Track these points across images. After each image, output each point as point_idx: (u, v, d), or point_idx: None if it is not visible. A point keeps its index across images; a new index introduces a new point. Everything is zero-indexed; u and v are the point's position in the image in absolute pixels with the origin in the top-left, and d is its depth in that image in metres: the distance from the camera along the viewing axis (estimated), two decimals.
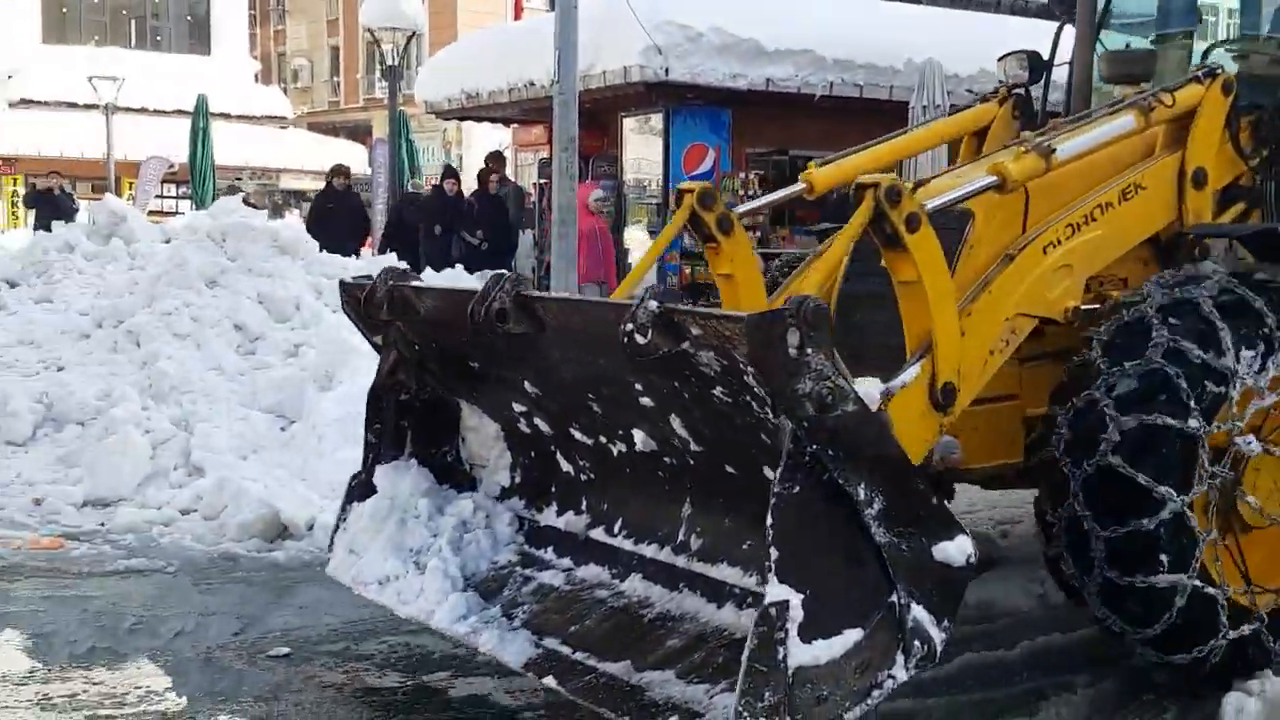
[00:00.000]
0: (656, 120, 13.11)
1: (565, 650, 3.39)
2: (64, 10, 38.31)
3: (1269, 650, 3.69)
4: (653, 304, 2.94)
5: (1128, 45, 5.20)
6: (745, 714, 2.73)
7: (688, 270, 12.62)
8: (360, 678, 4.11)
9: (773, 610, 2.80)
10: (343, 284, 4.31)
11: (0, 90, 34.20)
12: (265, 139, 30.99)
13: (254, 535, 5.84)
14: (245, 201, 10.12)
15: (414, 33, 17.07)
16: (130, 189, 25.58)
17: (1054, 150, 3.90)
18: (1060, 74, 5.32)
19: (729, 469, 3.22)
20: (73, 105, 28.26)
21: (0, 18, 35.58)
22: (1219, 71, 4.27)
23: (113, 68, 25.16)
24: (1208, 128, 4.23)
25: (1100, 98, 5.09)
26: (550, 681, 3.30)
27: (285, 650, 4.33)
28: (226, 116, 28.16)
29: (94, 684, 4.05)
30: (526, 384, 3.76)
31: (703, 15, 12.40)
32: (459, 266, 10.87)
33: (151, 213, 20.17)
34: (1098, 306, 3.90)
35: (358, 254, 8.54)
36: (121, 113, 24.96)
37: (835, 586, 2.92)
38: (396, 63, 16.69)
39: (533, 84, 13.62)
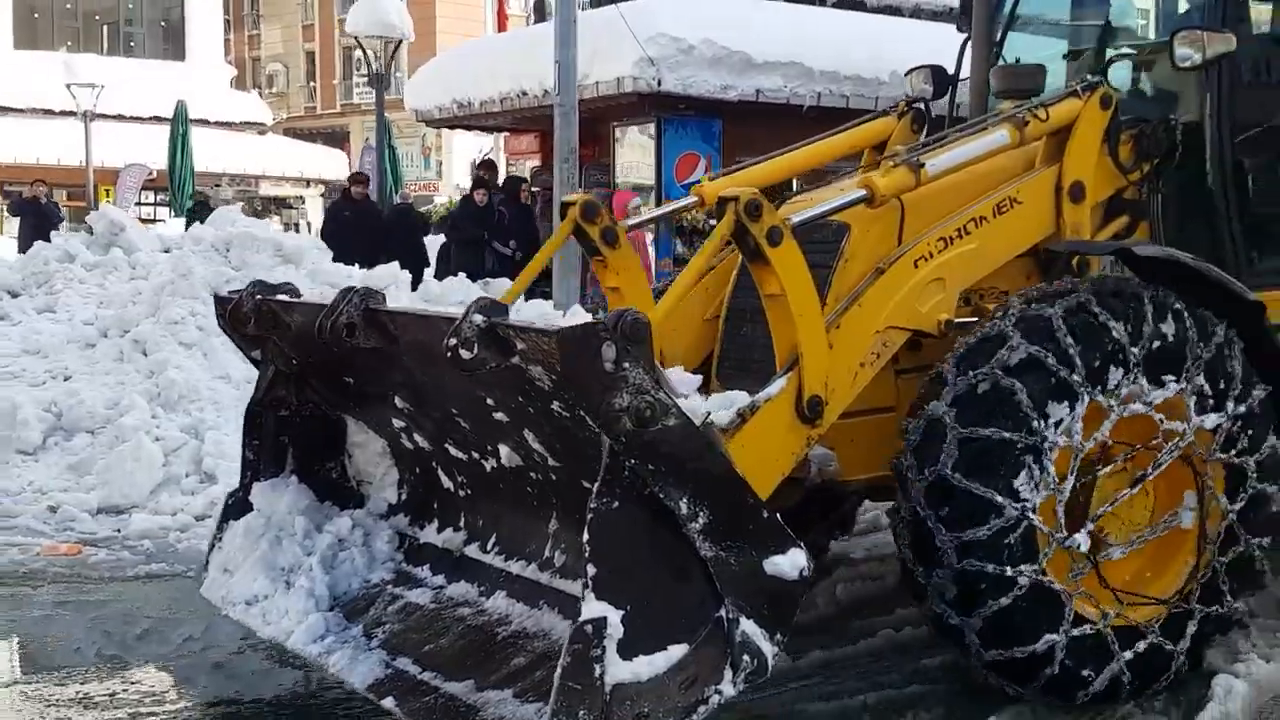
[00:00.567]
0: (649, 129, 13.25)
1: (414, 670, 3.33)
2: (35, 15, 37.99)
3: (1170, 655, 3.77)
4: (478, 317, 2.89)
5: (1017, 60, 5.20)
6: None
7: None
8: None
9: (588, 628, 2.76)
10: (216, 297, 4.21)
11: None
12: (243, 145, 30.89)
13: None
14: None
15: (400, 40, 17.15)
16: (108, 196, 25.44)
17: (923, 165, 3.91)
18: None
19: (584, 484, 3.10)
20: (48, 112, 28.04)
21: None
22: (1098, 85, 4.25)
23: (87, 74, 25.03)
24: (1085, 141, 4.20)
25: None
26: (389, 703, 3.23)
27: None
28: (204, 123, 28.02)
29: (113, 688, 4.10)
30: (397, 399, 3.69)
31: (694, 28, 12.56)
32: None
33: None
34: (974, 319, 3.89)
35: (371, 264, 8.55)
36: (98, 119, 24.83)
37: (658, 602, 2.88)
38: (383, 70, 16.76)
39: (524, 93, 13.73)
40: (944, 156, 4.01)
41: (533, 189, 14.49)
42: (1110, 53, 5.16)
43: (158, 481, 6.73)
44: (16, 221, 18.76)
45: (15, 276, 9.00)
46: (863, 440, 3.86)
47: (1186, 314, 3.72)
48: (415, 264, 12.29)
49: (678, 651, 2.88)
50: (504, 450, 3.37)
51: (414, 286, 9.11)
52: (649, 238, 12.94)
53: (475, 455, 3.55)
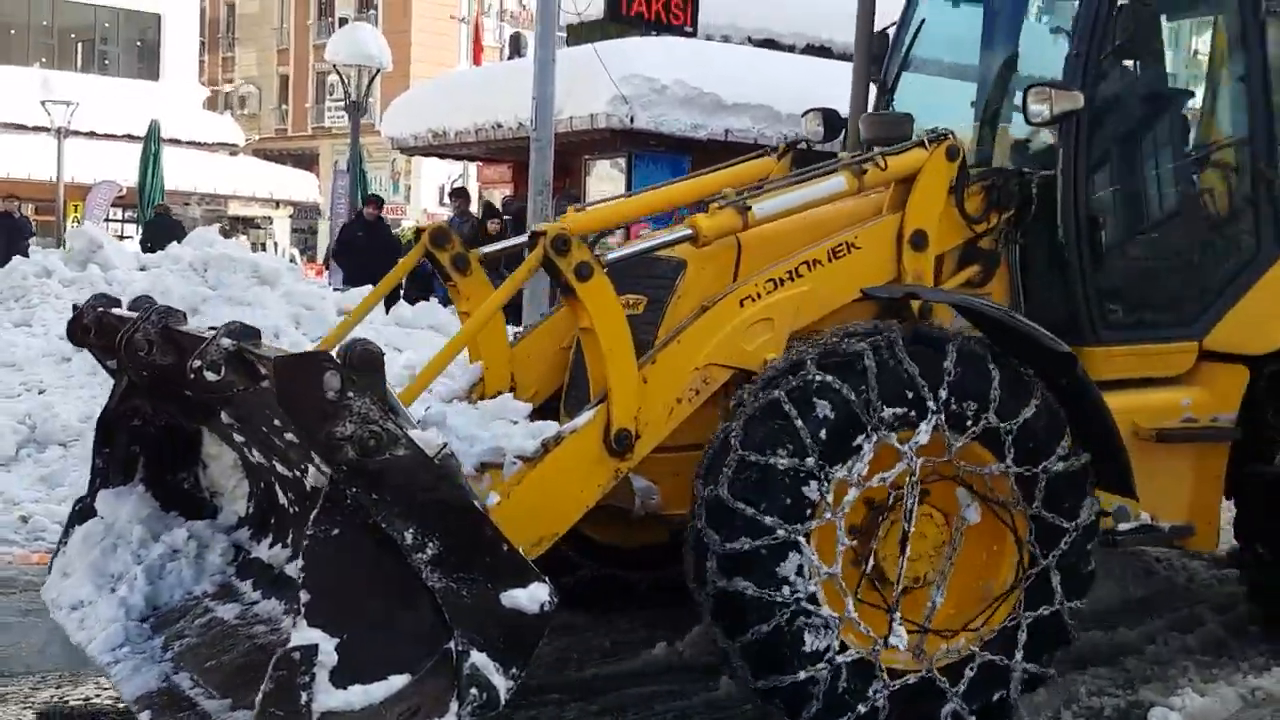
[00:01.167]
0: (620, 164, 13.57)
1: (186, 686, 3.30)
2: (11, 32, 37.96)
3: (940, 694, 3.68)
4: (226, 340, 2.91)
5: (890, 106, 5.25)
6: None
7: None
8: None
9: (295, 654, 2.74)
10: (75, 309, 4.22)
11: None
12: (214, 165, 30.94)
13: None
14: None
15: (379, 70, 17.41)
16: (76, 212, 25.45)
17: (749, 208, 3.95)
18: None
19: None
20: (20, 127, 28.00)
21: None
22: (945, 137, 4.25)
23: (61, 91, 25.06)
24: (927, 191, 4.20)
25: None
26: (144, 717, 3.22)
27: None
28: (176, 142, 28.07)
29: (86, 693, 4.14)
30: (224, 415, 3.66)
31: (667, 69, 12.93)
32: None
33: None
34: None
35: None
36: (71, 136, 24.86)
37: (380, 631, 2.85)
38: (360, 98, 17.01)
39: (499, 125, 14.04)
40: (773, 201, 4.06)
41: (505, 217, 14.76)
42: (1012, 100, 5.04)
43: None
44: None
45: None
46: (686, 474, 3.78)
47: (992, 363, 3.70)
48: (425, 286, 12.44)
49: (399, 681, 2.84)
50: (310, 470, 3.27)
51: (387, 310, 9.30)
52: None
53: (296, 473, 3.47)
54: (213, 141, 31.83)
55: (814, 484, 3.50)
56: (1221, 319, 4.55)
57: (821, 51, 15.37)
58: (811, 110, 5.29)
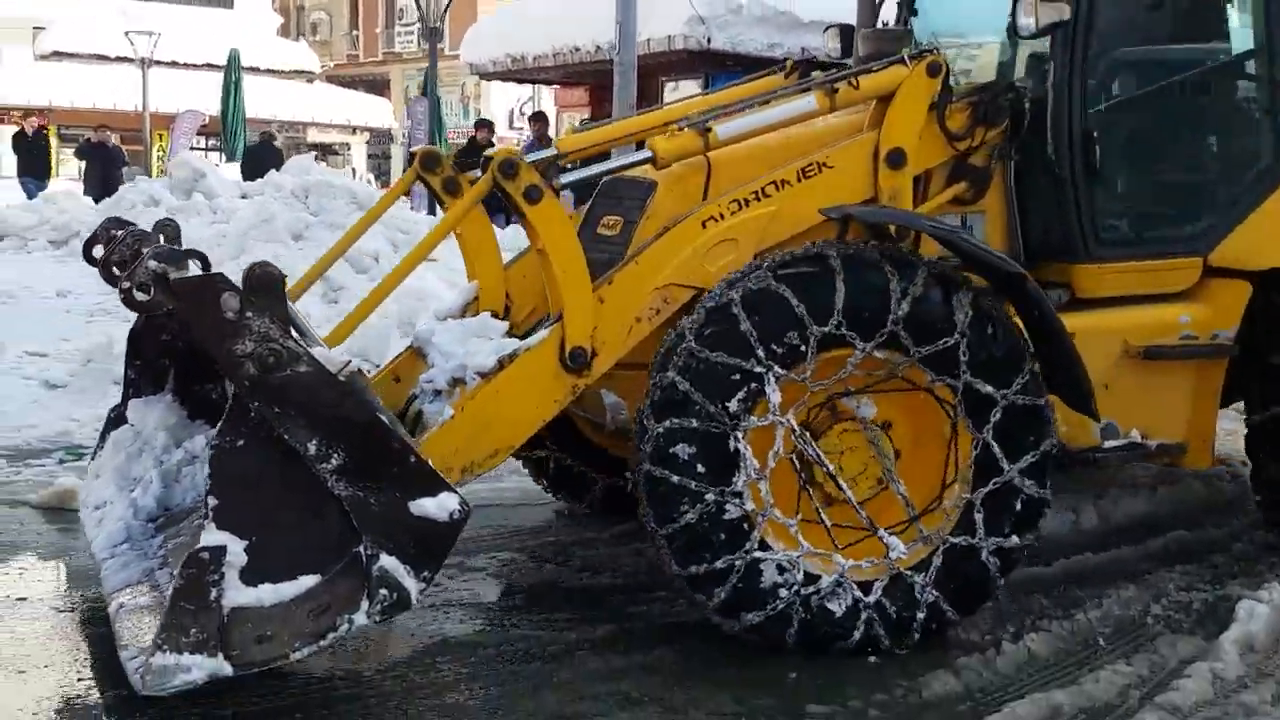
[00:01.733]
0: (697, 85, 13.63)
1: (164, 581, 3.39)
2: None
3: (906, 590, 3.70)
4: (153, 263, 3.06)
5: (886, 24, 5.15)
6: (166, 648, 2.84)
7: None
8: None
9: (204, 554, 2.90)
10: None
11: (30, 41, 34.54)
12: (292, 92, 31.42)
13: None
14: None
15: None
16: (161, 140, 26.04)
17: (710, 129, 3.92)
18: None
19: None
20: (103, 58, 28.62)
21: None
22: (927, 54, 4.15)
23: (140, 21, 25.52)
24: (905, 109, 4.10)
25: None
26: (111, 608, 3.38)
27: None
28: (254, 70, 28.52)
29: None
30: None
31: None
32: None
33: None
34: None
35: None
36: (153, 66, 25.37)
37: (288, 536, 2.99)
38: (437, 24, 17.17)
39: (577, 49, 14.16)
40: (737, 122, 4.02)
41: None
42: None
43: None
44: (79, 165, 19.43)
45: (101, 219, 9.55)
46: None
47: (923, 276, 3.66)
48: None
49: (309, 581, 2.99)
50: None
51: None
52: None
53: None
54: (289, 69, 32.25)
55: (758, 384, 3.55)
56: (1230, 234, 4.43)
57: None
58: (831, 26, 5.25)
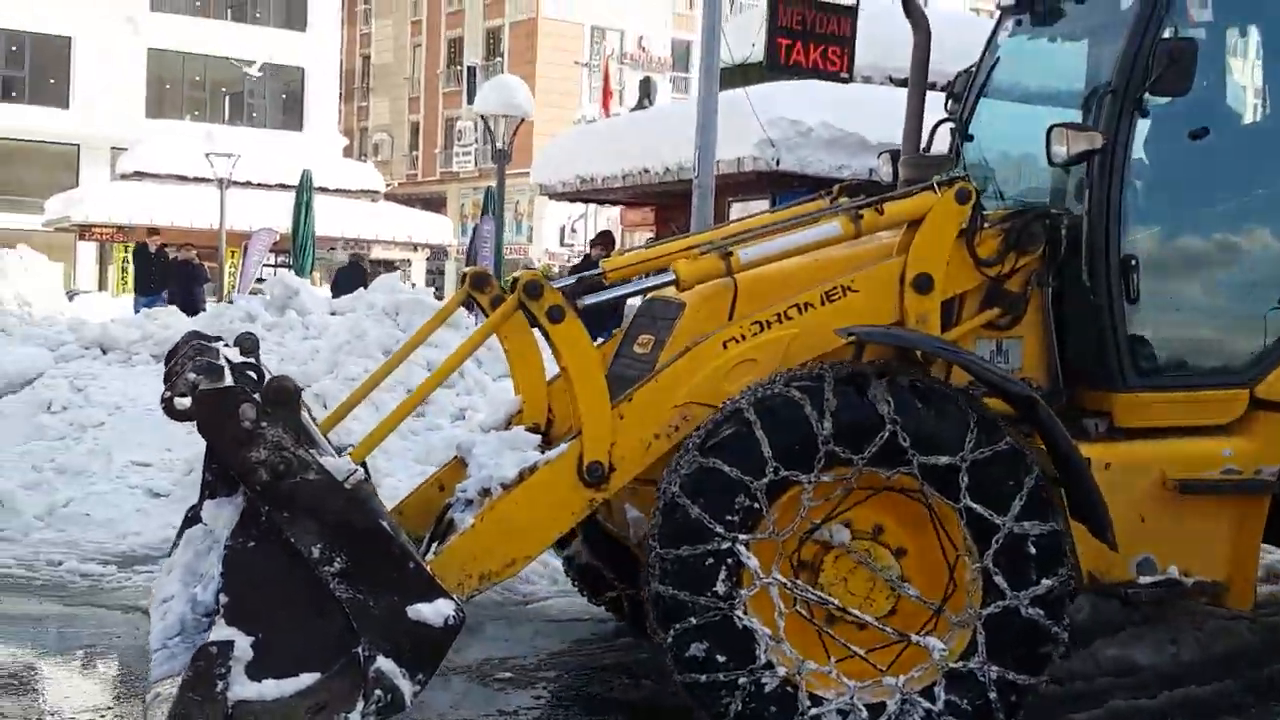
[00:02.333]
0: (763, 205, 13.96)
1: None
2: (167, 86, 40.37)
3: None
4: (191, 375, 3.36)
5: (928, 149, 5.20)
6: None
7: None
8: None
9: (213, 648, 3.08)
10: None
11: (108, 162, 36.06)
12: (358, 211, 32.39)
13: None
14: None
15: (523, 119, 18.19)
16: (233, 257, 26.87)
17: (731, 253, 4.04)
18: None
19: None
20: (182, 178, 29.76)
21: (110, 92, 37.66)
22: (956, 180, 4.20)
23: (220, 144, 26.61)
24: (932, 235, 4.14)
25: None
26: (151, 692, 3.49)
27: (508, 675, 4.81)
28: (323, 190, 29.56)
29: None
30: None
31: (812, 112, 13.31)
32: None
33: (259, 281, 21.39)
34: None
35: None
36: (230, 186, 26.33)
37: (292, 634, 3.16)
38: (506, 146, 17.79)
39: (647, 171, 14.61)
40: (760, 246, 4.13)
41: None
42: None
43: None
44: (132, 273, 20.04)
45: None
46: None
47: (933, 398, 3.74)
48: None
49: (309, 679, 3.14)
50: None
51: None
52: None
53: None
54: (355, 188, 33.31)
55: (761, 496, 3.64)
56: (1277, 367, 4.34)
57: None
58: (884, 151, 5.35)
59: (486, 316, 4.40)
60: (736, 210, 14.56)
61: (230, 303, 11.55)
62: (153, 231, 20.86)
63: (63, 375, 9.20)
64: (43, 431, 8.35)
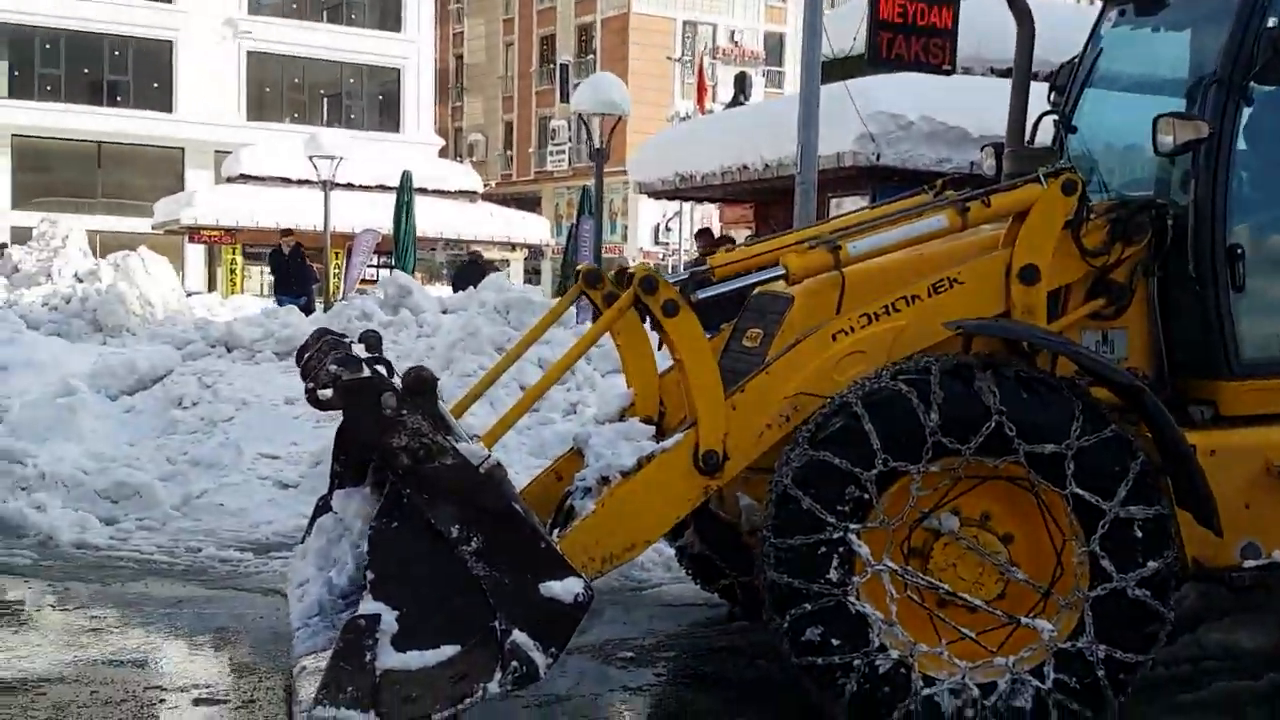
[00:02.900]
0: (863, 201, 13.91)
1: None
2: (266, 89, 41.48)
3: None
4: (333, 367, 3.45)
5: (1031, 141, 5.21)
6: (326, 702, 3.16)
7: None
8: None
9: (362, 621, 3.27)
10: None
11: (211, 166, 37.15)
12: (456, 211, 32.89)
13: None
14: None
15: (620, 117, 18.34)
16: (337, 259, 27.49)
17: (839, 246, 4.14)
18: None
19: None
20: (286, 180, 30.54)
21: (211, 95, 38.83)
22: (1063, 172, 4.23)
23: (324, 146, 27.21)
24: (1039, 227, 4.18)
25: None
26: (298, 666, 3.74)
27: (628, 654, 5.02)
28: (422, 190, 30.11)
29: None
30: None
31: (913, 105, 13.21)
32: None
33: (363, 281, 21.91)
34: None
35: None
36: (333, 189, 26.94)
37: (433, 608, 3.34)
38: (604, 145, 17.97)
39: (746, 167, 14.63)
40: (868, 240, 4.23)
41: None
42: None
43: None
44: (262, 281, 20.52)
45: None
46: None
47: (1032, 387, 3.81)
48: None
49: (450, 650, 3.32)
50: None
51: None
52: None
53: None
54: (454, 189, 33.83)
55: (871, 487, 3.74)
56: None
57: None
58: (987, 145, 5.43)
59: (599, 312, 4.52)
60: (839, 206, 14.55)
61: (342, 300, 11.90)
62: (286, 233, 21.37)
63: (191, 372, 9.64)
64: (175, 426, 8.76)
